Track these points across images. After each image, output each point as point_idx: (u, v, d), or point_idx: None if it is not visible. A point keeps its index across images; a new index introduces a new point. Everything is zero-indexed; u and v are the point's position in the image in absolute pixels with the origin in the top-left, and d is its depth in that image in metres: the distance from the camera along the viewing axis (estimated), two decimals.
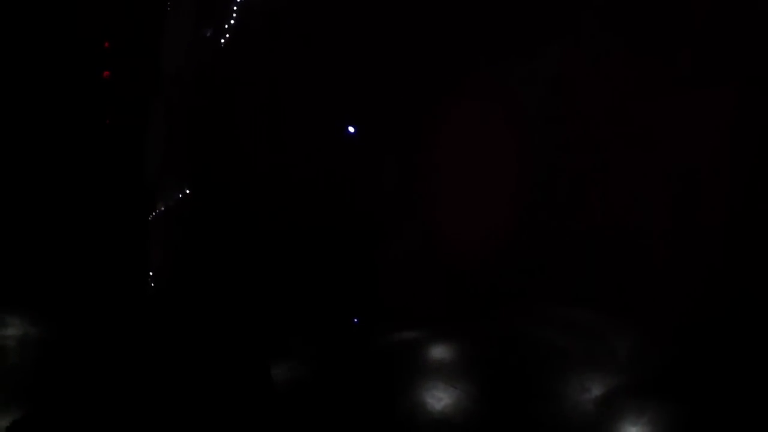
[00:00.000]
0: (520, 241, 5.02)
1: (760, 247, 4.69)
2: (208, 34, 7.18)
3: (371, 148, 5.80)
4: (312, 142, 6.00)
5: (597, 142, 5.26)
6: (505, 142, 5.30)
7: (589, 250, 4.95)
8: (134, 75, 8.29)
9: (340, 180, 5.78)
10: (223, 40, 7.26)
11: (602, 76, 5.28)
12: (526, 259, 4.99)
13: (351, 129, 5.69)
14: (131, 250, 7.15)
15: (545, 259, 4.93)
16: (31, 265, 6.52)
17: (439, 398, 4.45)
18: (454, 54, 5.56)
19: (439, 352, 4.59)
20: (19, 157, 7.28)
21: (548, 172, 5.22)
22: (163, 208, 7.28)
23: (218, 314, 4.95)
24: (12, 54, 7.54)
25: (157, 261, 6.99)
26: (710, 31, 5.20)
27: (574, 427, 4.40)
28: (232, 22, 7.16)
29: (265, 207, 6.13)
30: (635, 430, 4.23)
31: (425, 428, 4.37)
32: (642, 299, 4.71)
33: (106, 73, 7.98)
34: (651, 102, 5.11)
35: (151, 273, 6.90)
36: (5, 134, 7.29)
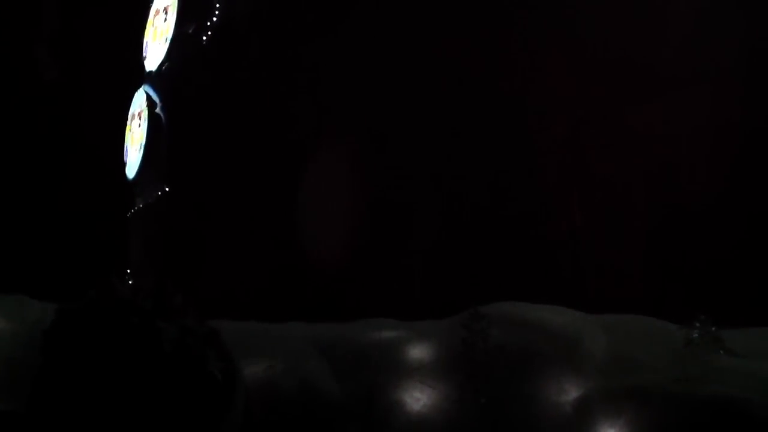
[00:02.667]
0: (496, 244, 5.04)
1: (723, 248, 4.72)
2: (191, 31, 7.14)
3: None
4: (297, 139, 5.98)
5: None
6: None
7: (566, 253, 4.97)
8: (114, 70, 8.23)
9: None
10: (205, 37, 7.23)
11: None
12: (502, 262, 4.99)
13: None
14: (110, 246, 7.11)
15: (521, 263, 4.94)
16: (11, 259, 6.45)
17: (417, 398, 4.43)
18: None
19: (418, 352, 4.57)
20: None
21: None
22: (141, 205, 7.24)
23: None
24: None
25: (136, 259, 6.96)
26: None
27: (551, 428, 4.39)
28: (215, 19, 7.12)
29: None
30: None
31: (403, 428, 4.35)
32: (617, 300, 4.72)
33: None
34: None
35: (129, 271, 6.86)
36: None
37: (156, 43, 7.72)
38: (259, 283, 5.57)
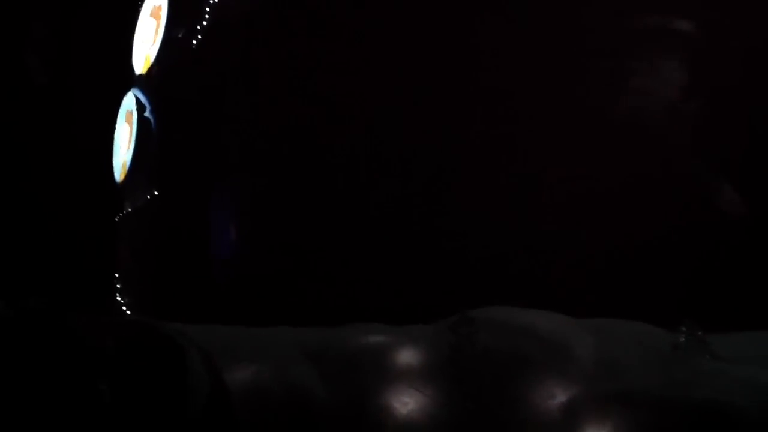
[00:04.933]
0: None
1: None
2: (180, 35, 7.14)
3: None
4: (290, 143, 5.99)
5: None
6: None
7: (554, 256, 4.99)
8: (103, 73, 8.24)
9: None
10: (195, 41, 7.23)
11: None
12: (491, 265, 5.01)
13: None
14: (98, 251, 7.11)
15: (510, 266, 4.96)
16: None
17: (405, 402, 4.44)
18: None
19: (405, 356, 4.59)
20: None
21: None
22: (130, 209, 7.24)
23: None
24: None
25: (125, 264, 6.96)
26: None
27: None
28: (205, 23, 7.12)
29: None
30: None
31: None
32: (604, 304, 4.74)
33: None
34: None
35: (117, 275, 6.86)
36: None
37: (145, 46, 7.73)
38: (246, 287, 5.58)
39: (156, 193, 6.80)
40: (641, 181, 5.24)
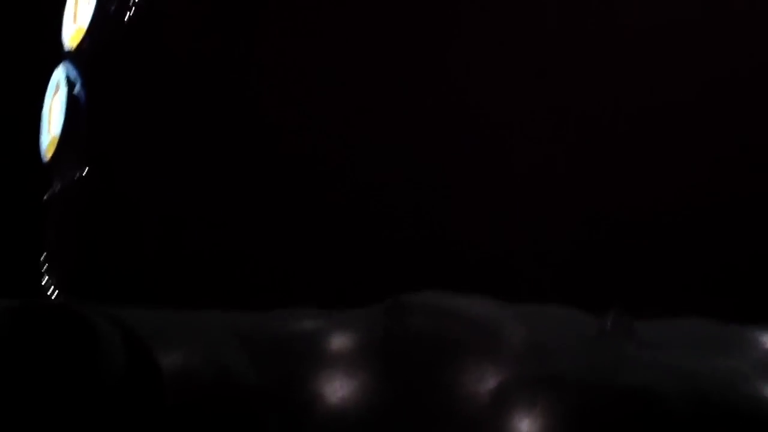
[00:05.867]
0: (417, 232, 5.09)
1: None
2: (112, 9, 7.00)
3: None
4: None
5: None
6: None
7: (487, 242, 5.04)
8: (32, 49, 8.04)
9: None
10: (127, 17, 7.09)
11: None
12: (424, 250, 5.05)
13: None
14: (26, 230, 6.96)
15: (443, 252, 5.00)
16: None
17: (337, 387, 4.45)
18: None
19: (338, 341, 4.59)
20: None
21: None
22: (59, 188, 7.10)
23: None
24: None
25: (53, 245, 6.82)
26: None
27: (469, 416, 4.46)
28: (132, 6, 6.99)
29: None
30: (527, 421, 4.32)
31: (323, 418, 4.37)
32: (535, 289, 4.81)
33: None
34: None
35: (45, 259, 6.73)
36: None
37: (76, 22, 7.57)
38: (175, 270, 5.52)
39: (85, 171, 6.68)
40: (568, 167, 5.31)
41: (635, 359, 4.49)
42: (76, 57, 7.25)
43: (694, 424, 4.41)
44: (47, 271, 6.91)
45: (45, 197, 7.14)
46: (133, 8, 6.71)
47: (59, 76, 7.41)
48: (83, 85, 7.12)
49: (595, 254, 5.07)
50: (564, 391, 4.45)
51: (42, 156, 7.37)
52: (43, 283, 6.76)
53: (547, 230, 5.12)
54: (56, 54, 7.45)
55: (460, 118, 5.39)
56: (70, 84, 7.31)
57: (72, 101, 6.98)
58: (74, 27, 7.28)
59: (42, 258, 6.88)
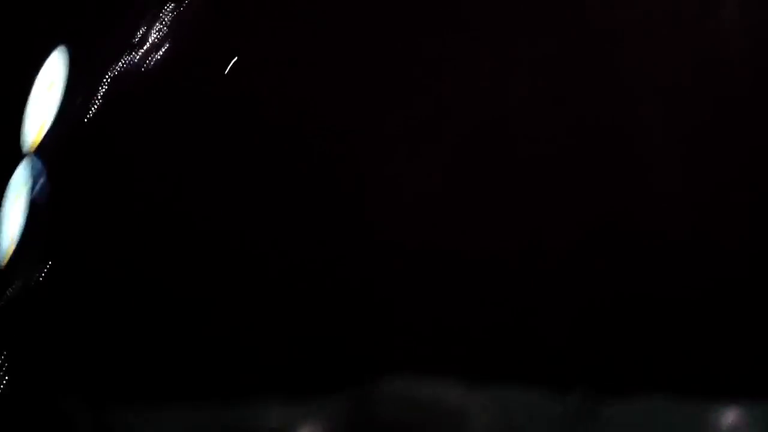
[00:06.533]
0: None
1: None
2: (77, 104, 7.07)
3: None
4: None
5: None
6: None
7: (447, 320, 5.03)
8: None
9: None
10: (91, 112, 7.16)
11: None
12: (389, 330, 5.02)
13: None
14: None
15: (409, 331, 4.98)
16: None
17: None
18: None
19: (303, 424, 4.61)
20: None
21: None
22: (17, 291, 7.01)
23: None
24: None
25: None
26: None
27: None
28: (103, 92, 7.06)
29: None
30: None
31: None
32: (502, 370, 4.83)
33: None
34: None
35: None
36: None
37: (38, 120, 7.62)
38: (143, 364, 5.43)
39: (45, 273, 6.61)
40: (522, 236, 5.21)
41: None
42: (38, 155, 7.26)
43: None
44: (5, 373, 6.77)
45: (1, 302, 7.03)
46: (99, 103, 6.79)
47: (20, 175, 7.40)
48: (45, 183, 7.13)
49: (560, 332, 5.05)
50: None
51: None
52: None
53: (508, 307, 5.09)
54: (17, 154, 7.46)
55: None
56: (32, 182, 7.30)
57: (33, 201, 6.97)
58: (36, 126, 7.32)
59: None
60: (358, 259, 5.02)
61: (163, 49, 6.46)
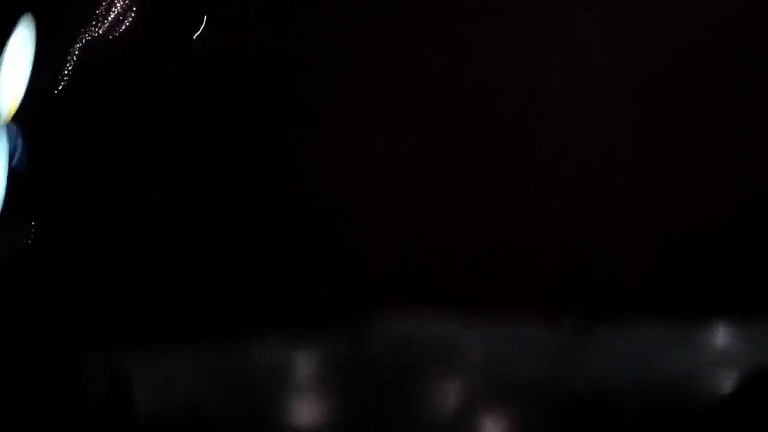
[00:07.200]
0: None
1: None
2: (48, 73, 7.03)
3: None
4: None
5: None
6: None
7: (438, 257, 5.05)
8: None
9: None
10: (58, 89, 7.13)
11: None
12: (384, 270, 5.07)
13: None
14: None
15: (400, 270, 5.03)
16: None
17: (302, 416, 4.53)
18: None
19: (301, 369, 4.69)
20: None
21: None
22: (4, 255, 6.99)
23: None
24: None
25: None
26: None
27: None
28: (70, 68, 7.05)
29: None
30: None
31: None
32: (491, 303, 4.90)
33: None
34: None
35: None
36: None
37: (9, 93, 7.56)
38: (145, 299, 5.45)
39: (35, 232, 6.61)
40: (528, 175, 5.17)
41: (591, 366, 4.68)
42: (14, 123, 7.21)
43: (648, 422, 4.60)
44: None
45: None
46: (72, 69, 6.76)
47: None
48: (20, 156, 7.09)
49: (548, 261, 5.11)
50: (524, 402, 4.61)
51: None
52: None
53: (499, 239, 5.12)
54: None
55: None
56: (7, 156, 7.25)
57: (12, 169, 6.93)
58: (10, 94, 7.27)
59: None
60: (350, 205, 5.07)
61: (131, 16, 6.47)
